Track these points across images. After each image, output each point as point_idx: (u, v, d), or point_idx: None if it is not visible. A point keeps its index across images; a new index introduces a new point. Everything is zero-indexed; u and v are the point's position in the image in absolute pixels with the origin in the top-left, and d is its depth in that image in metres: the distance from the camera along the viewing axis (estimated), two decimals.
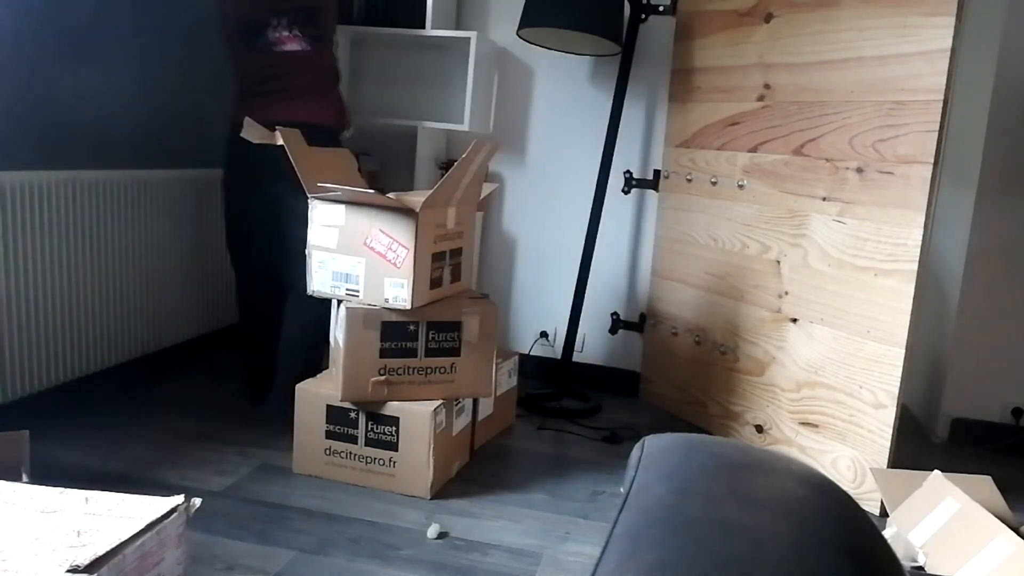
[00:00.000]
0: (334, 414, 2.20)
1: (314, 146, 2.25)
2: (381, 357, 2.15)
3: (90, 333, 2.53)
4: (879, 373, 2.22)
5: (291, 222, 2.53)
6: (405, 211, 2.07)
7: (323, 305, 2.42)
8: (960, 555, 1.52)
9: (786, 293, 2.52)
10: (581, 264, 2.96)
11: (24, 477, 1.58)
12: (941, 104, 2.07)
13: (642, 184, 3.05)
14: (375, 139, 3.28)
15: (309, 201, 2.15)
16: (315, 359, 2.60)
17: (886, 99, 2.21)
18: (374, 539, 1.93)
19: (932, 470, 1.88)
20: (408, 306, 2.10)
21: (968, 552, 1.53)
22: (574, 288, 3.00)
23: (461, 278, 2.37)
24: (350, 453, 2.20)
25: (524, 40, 2.91)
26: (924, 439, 2.91)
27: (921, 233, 2.13)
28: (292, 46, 2.53)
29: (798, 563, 0.63)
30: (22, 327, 2.27)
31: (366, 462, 2.19)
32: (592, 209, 2.93)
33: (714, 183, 2.76)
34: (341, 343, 2.15)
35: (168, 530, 1.28)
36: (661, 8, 2.87)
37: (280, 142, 2.12)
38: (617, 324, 3.15)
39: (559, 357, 3.07)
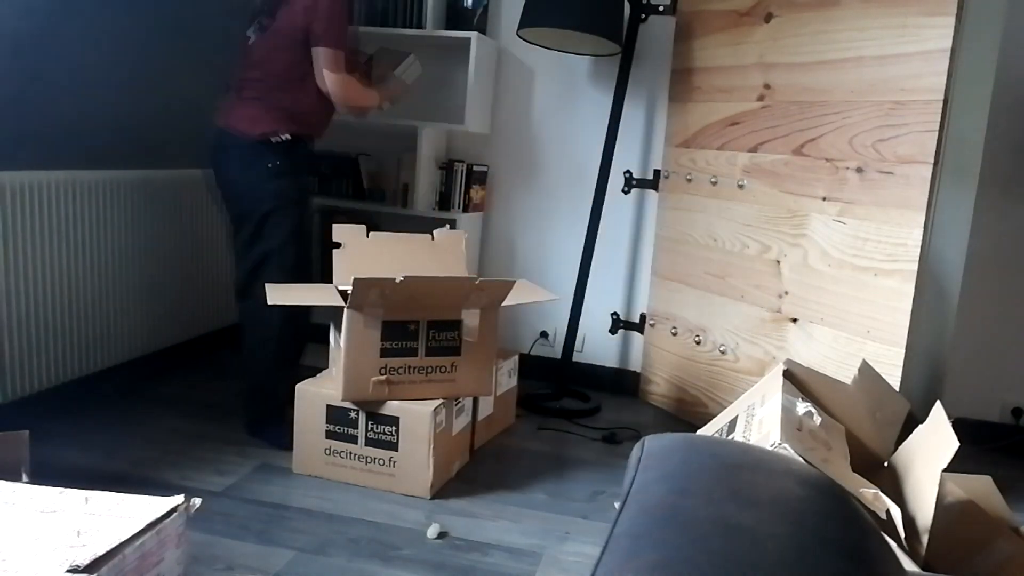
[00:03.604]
0: (334, 414, 2.20)
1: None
2: (382, 356, 2.15)
3: (90, 333, 2.53)
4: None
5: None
6: None
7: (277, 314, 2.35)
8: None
9: (786, 293, 2.52)
10: (581, 264, 2.96)
11: (24, 477, 1.57)
12: (941, 104, 2.07)
13: (642, 184, 3.05)
14: (375, 139, 3.28)
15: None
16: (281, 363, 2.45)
17: (886, 99, 2.21)
18: (374, 539, 1.93)
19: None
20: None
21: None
22: (574, 288, 3.00)
23: None
24: (350, 453, 2.20)
25: (524, 40, 2.91)
26: None
27: (921, 233, 2.13)
28: (250, 36, 2.38)
29: (798, 563, 0.63)
30: (22, 327, 2.27)
31: (366, 462, 2.19)
32: (592, 209, 2.93)
33: (714, 183, 2.76)
34: (342, 343, 2.15)
35: (168, 530, 1.28)
36: (661, 8, 2.87)
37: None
38: (617, 324, 3.15)
39: (559, 357, 3.07)
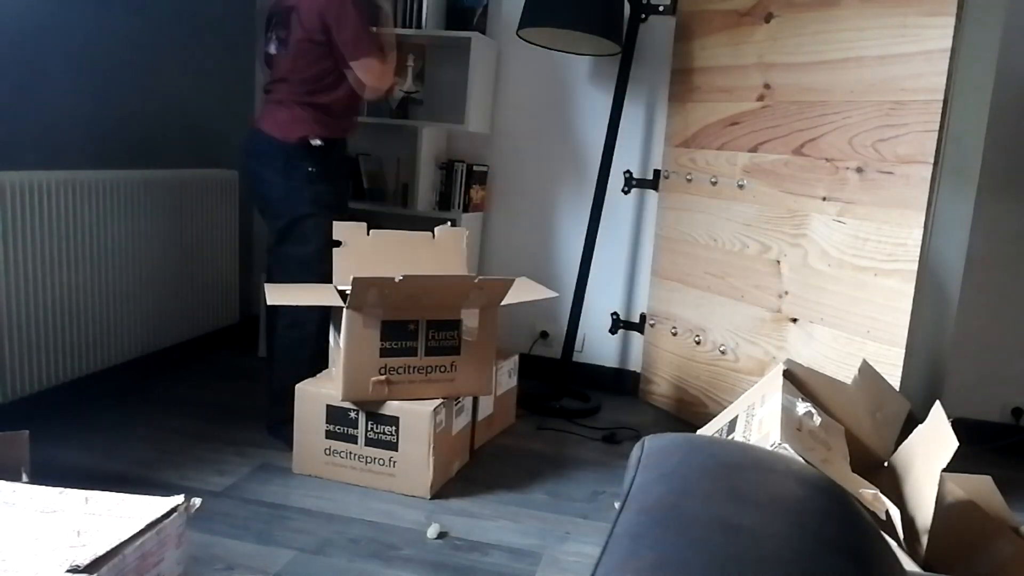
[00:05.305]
0: (334, 414, 2.20)
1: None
2: (382, 356, 2.15)
3: (89, 333, 2.53)
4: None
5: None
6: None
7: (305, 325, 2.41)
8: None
9: (786, 293, 2.52)
10: (581, 264, 2.96)
11: (24, 477, 1.57)
12: (941, 104, 2.07)
13: (642, 184, 3.06)
14: (375, 139, 3.28)
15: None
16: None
17: (886, 99, 2.21)
18: (374, 539, 1.93)
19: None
20: None
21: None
22: (574, 288, 3.00)
23: None
24: (350, 453, 2.20)
25: (524, 40, 2.91)
26: None
27: (921, 233, 2.13)
28: (271, 49, 2.43)
29: (798, 563, 0.63)
30: (22, 327, 2.27)
31: (366, 462, 2.19)
32: (592, 209, 2.93)
33: (714, 183, 2.76)
34: (341, 343, 2.15)
35: (168, 530, 1.28)
36: (661, 8, 2.87)
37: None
38: (617, 324, 3.15)
39: (559, 357, 3.07)
